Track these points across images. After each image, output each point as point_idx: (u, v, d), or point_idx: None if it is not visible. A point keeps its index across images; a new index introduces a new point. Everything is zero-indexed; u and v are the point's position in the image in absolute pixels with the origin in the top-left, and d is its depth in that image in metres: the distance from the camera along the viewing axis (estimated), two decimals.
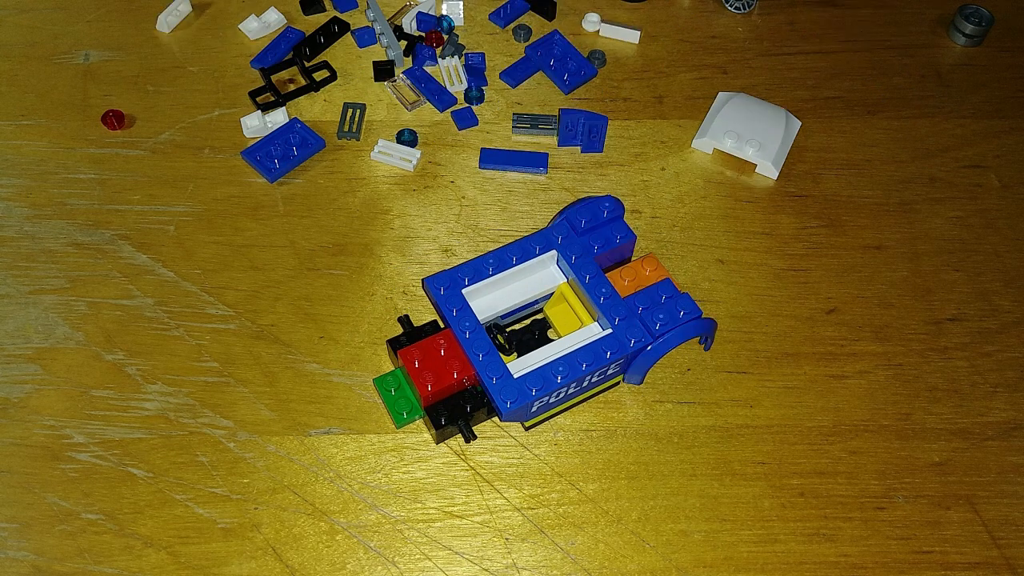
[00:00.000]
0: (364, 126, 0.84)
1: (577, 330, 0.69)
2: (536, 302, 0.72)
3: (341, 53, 0.90)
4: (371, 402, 0.69)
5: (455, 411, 0.66)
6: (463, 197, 0.80)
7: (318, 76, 0.86)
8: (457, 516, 0.65)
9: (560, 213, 0.73)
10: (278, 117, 0.83)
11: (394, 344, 0.68)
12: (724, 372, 0.71)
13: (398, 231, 0.78)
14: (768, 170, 0.82)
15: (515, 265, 0.69)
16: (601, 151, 0.83)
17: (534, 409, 0.65)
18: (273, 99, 0.84)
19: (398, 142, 0.83)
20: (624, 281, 0.70)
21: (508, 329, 0.71)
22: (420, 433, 0.68)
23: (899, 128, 0.87)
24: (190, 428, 0.68)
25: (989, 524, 0.65)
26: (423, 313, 0.73)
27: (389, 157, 0.81)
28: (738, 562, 0.63)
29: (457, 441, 0.68)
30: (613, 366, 0.66)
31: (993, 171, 0.84)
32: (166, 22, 0.90)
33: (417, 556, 0.63)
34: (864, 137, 0.86)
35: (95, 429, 0.67)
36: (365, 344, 0.72)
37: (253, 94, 0.84)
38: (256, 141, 0.82)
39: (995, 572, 0.63)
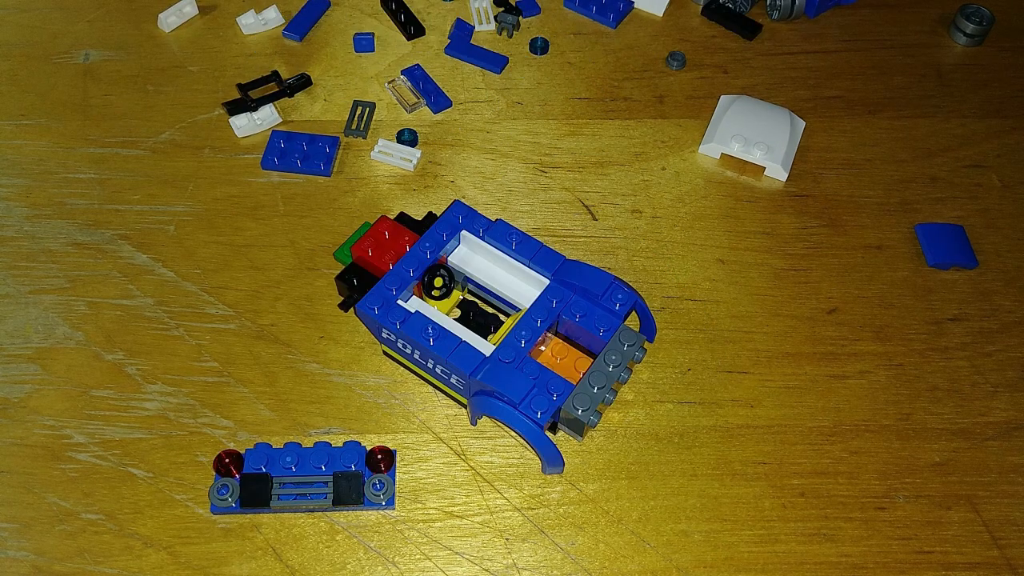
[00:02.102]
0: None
1: (450, 309, 0.70)
2: (506, 302, 0.71)
3: (341, 52, 0.90)
4: (371, 402, 0.69)
5: (362, 281, 0.69)
6: (463, 197, 0.80)
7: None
8: (457, 516, 0.65)
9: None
10: (267, 115, 0.83)
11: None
12: (725, 372, 0.71)
13: None
14: (777, 172, 0.82)
15: (509, 251, 0.69)
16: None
17: (388, 337, 0.66)
18: (248, 104, 0.83)
19: (398, 142, 0.83)
20: (556, 359, 0.67)
21: (480, 305, 0.71)
22: (420, 433, 0.68)
23: (900, 128, 0.87)
24: (190, 428, 0.68)
25: (990, 524, 0.65)
26: None
27: (389, 157, 0.81)
28: (739, 562, 0.63)
29: (457, 441, 0.67)
30: (457, 380, 0.65)
31: (994, 171, 0.84)
32: (167, 22, 0.90)
33: (417, 556, 0.63)
34: (865, 137, 0.86)
35: (95, 429, 0.67)
36: (365, 344, 0.72)
37: (228, 105, 0.83)
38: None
39: (996, 572, 0.63)
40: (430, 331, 0.64)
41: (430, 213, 0.74)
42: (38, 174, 0.81)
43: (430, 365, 0.66)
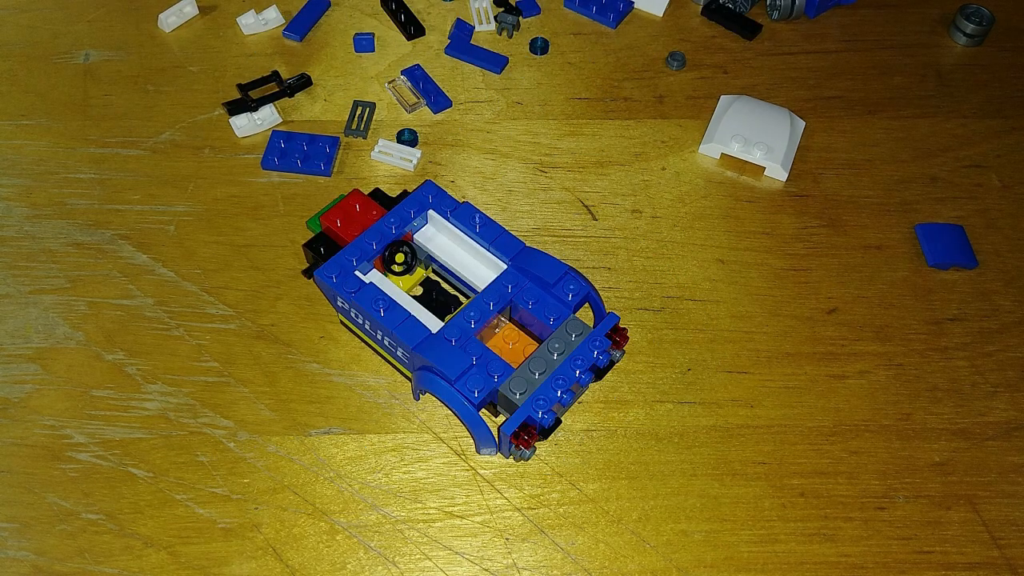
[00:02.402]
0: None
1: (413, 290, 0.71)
2: (466, 284, 0.71)
3: (341, 52, 0.90)
4: (371, 402, 0.69)
5: (328, 248, 0.70)
6: (463, 197, 0.80)
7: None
8: (457, 516, 0.65)
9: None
10: (267, 115, 0.83)
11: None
12: (725, 372, 0.71)
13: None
14: (778, 172, 0.82)
15: (472, 234, 0.70)
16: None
17: (342, 306, 0.68)
18: (249, 104, 0.83)
19: (398, 142, 0.83)
20: (508, 344, 0.68)
21: (443, 285, 0.72)
22: (420, 433, 0.68)
23: (900, 128, 0.87)
24: (190, 428, 0.68)
25: (990, 524, 0.65)
26: None
27: (389, 157, 0.81)
28: (738, 562, 0.63)
29: (457, 441, 0.67)
30: (398, 349, 0.66)
31: (994, 171, 0.84)
32: (167, 22, 0.90)
33: (417, 556, 0.63)
34: (865, 137, 0.86)
35: (95, 429, 0.67)
36: (365, 344, 0.72)
37: (228, 105, 0.83)
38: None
39: (996, 572, 0.63)
40: (380, 303, 0.65)
41: (404, 191, 0.74)
42: (38, 174, 0.81)
43: (379, 337, 0.67)
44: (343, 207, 0.71)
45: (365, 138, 0.83)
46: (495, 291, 0.67)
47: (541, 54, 0.90)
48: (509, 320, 0.69)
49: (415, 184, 0.81)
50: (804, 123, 0.85)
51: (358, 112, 0.84)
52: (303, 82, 0.86)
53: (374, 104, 0.85)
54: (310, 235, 0.78)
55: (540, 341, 0.68)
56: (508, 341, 0.68)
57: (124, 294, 0.74)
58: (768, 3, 0.93)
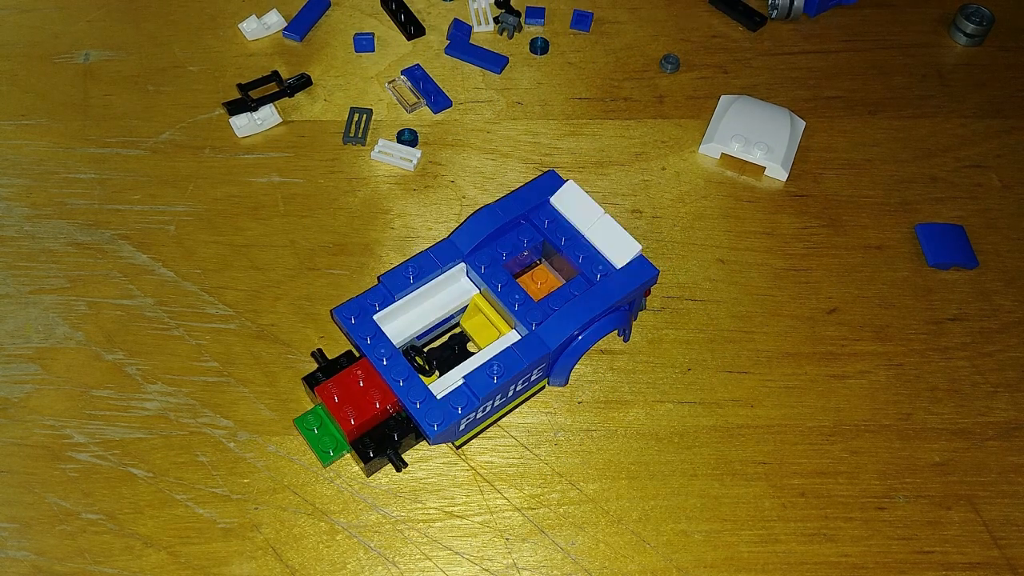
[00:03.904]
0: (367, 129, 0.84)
1: (496, 340, 0.67)
2: (451, 317, 0.70)
3: (341, 52, 0.90)
4: None
5: (382, 441, 0.64)
6: (463, 197, 0.80)
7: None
8: (457, 516, 0.65)
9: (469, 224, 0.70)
10: (267, 115, 0.83)
11: (310, 381, 0.65)
12: (725, 372, 0.71)
13: (398, 231, 0.78)
14: (778, 172, 0.82)
15: (419, 283, 0.67)
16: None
17: (462, 427, 0.64)
18: (249, 104, 0.83)
19: (398, 142, 0.83)
20: (537, 284, 0.70)
21: (426, 348, 0.69)
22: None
23: (900, 128, 0.87)
24: (190, 428, 0.68)
25: (990, 524, 0.65)
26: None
27: (390, 157, 0.81)
28: (739, 562, 0.63)
29: (457, 441, 0.67)
30: (536, 371, 0.65)
31: (994, 171, 0.84)
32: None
33: (417, 556, 0.63)
34: (865, 137, 0.86)
35: (95, 429, 0.67)
36: None
37: (228, 105, 0.83)
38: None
39: (996, 572, 0.63)
40: (383, 352, 0.63)
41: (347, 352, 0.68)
42: (38, 174, 0.81)
43: (499, 401, 0.65)
44: (345, 396, 0.64)
45: (364, 145, 0.83)
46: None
47: (541, 54, 0.90)
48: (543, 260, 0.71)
49: (415, 184, 0.81)
50: (804, 123, 0.86)
51: (355, 119, 0.84)
52: (303, 82, 0.86)
53: (371, 110, 0.85)
54: (310, 235, 0.78)
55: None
56: (537, 280, 0.70)
57: (124, 294, 0.74)
58: (768, 2, 0.93)
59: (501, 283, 0.67)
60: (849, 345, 0.73)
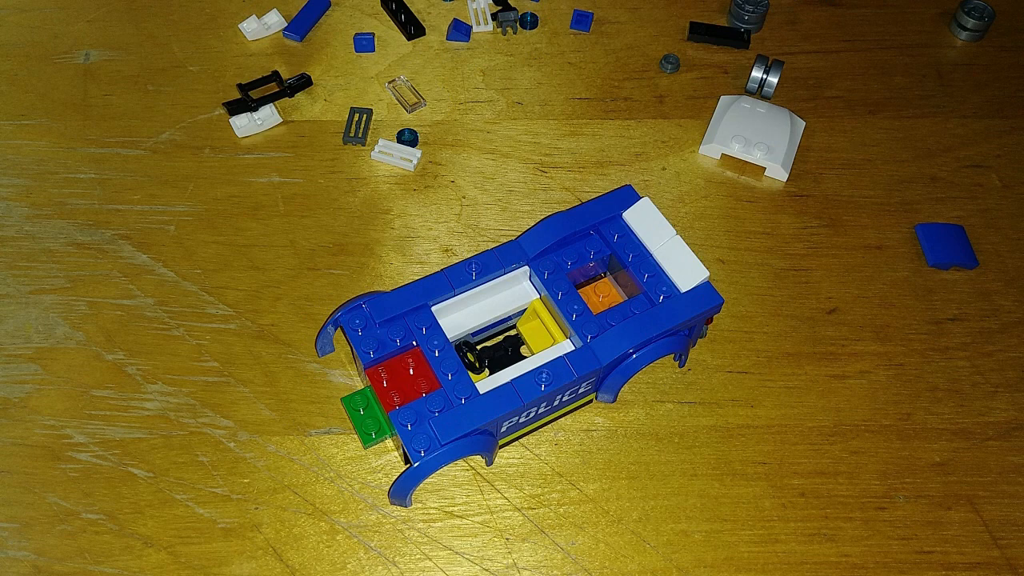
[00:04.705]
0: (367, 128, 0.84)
1: (550, 347, 0.67)
2: (509, 319, 0.70)
3: (341, 53, 0.90)
4: None
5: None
6: (463, 197, 0.80)
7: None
8: (458, 516, 0.65)
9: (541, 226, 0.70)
10: (267, 115, 0.83)
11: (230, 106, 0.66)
12: (725, 372, 0.71)
13: (398, 231, 0.78)
14: (778, 172, 0.82)
15: (480, 280, 0.68)
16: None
17: (503, 429, 0.64)
18: (249, 104, 0.83)
19: (398, 142, 0.83)
20: (599, 297, 0.70)
21: (480, 346, 0.70)
22: None
23: (900, 128, 0.87)
24: (190, 428, 0.68)
25: (990, 524, 0.65)
26: None
27: (390, 157, 0.81)
28: (739, 562, 0.63)
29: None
30: (584, 384, 0.65)
31: (994, 171, 0.84)
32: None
33: (417, 556, 0.63)
34: (865, 137, 0.86)
35: (95, 429, 0.67)
36: None
37: (228, 105, 0.83)
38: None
39: (996, 572, 0.63)
40: (544, 376, 0.63)
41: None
42: (38, 174, 0.81)
43: (543, 409, 0.65)
44: (394, 380, 0.64)
45: (364, 145, 0.83)
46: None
47: (530, 29, 0.90)
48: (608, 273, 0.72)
49: (415, 184, 0.81)
50: (804, 123, 0.86)
51: (355, 119, 0.84)
52: (303, 82, 0.86)
53: (371, 110, 0.85)
54: (310, 235, 0.78)
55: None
56: (600, 294, 0.70)
57: (124, 294, 0.74)
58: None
59: (562, 291, 0.67)
60: (849, 345, 0.73)
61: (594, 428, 0.68)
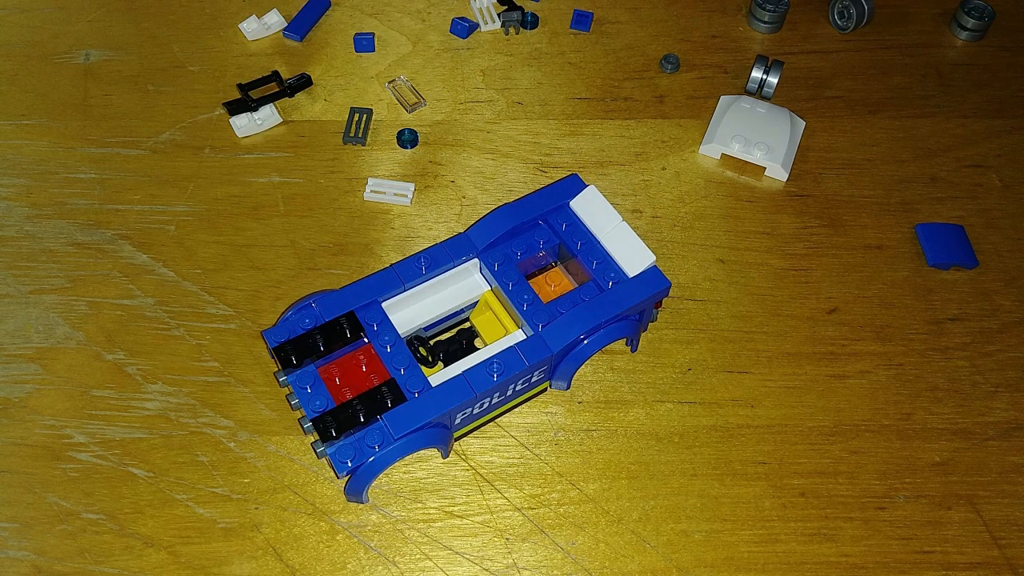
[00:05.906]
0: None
1: (502, 338, 0.67)
2: (461, 311, 0.71)
3: (341, 52, 0.90)
4: None
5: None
6: (463, 197, 0.80)
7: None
8: (458, 516, 0.65)
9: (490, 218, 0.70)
10: (267, 115, 0.83)
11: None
12: (725, 372, 0.71)
13: (399, 231, 0.78)
14: (778, 172, 0.82)
15: (430, 275, 0.68)
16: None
17: (457, 421, 0.64)
18: (249, 103, 0.83)
19: (398, 141, 0.83)
20: (550, 286, 0.70)
21: (434, 341, 0.70)
22: None
23: (900, 128, 0.87)
24: (190, 428, 0.68)
25: (990, 524, 0.65)
26: None
27: (383, 195, 0.79)
28: (739, 562, 0.63)
29: (458, 441, 0.67)
30: (537, 372, 0.65)
31: (994, 171, 0.84)
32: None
33: (417, 556, 0.63)
34: (865, 137, 0.86)
35: (95, 429, 0.67)
36: None
37: (228, 105, 0.83)
38: None
39: (996, 572, 0.63)
40: (495, 367, 0.63)
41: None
42: (38, 174, 0.81)
43: (496, 399, 0.65)
44: (346, 377, 0.64)
45: (364, 144, 0.83)
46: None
47: (531, 29, 0.90)
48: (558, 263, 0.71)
49: (415, 184, 0.81)
50: (804, 123, 0.86)
51: (355, 119, 0.84)
52: (303, 82, 0.86)
53: (371, 110, 0.85)
54: (310, 235, 0.78)
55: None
56: (551, 283, 0.70)
57: (124, 294, 0.74)
58: (840, 22, 0.92)
59: (512, 282, 0.67)
60: (849, 345, 0.73)
61: (594, 428, 0.68)
